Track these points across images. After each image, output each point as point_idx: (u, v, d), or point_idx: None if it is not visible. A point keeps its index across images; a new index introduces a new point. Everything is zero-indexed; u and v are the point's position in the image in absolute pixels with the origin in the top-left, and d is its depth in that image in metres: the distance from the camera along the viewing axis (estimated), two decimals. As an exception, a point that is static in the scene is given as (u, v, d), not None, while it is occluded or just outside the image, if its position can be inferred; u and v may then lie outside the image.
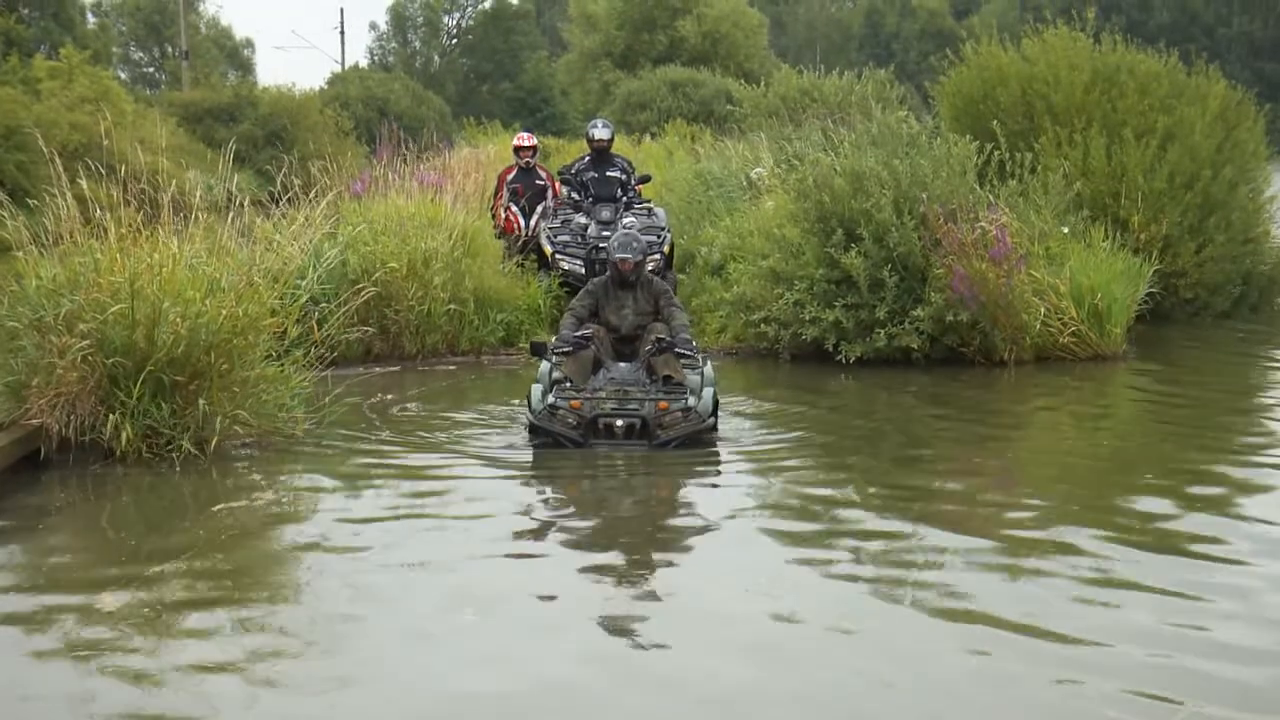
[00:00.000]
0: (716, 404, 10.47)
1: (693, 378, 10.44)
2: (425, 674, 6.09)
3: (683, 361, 10.37)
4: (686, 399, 10.13)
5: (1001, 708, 5.65)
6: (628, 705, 5.77)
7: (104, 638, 6.51)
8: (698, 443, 10.13)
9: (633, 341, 10.88)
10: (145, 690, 5.89)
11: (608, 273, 11.09)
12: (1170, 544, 7.77)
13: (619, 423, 10.01)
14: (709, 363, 10.92)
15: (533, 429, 10.21)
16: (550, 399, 10.15)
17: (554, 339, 10.74)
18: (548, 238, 16.70)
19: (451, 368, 14.32)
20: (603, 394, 10.09)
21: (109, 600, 6.98)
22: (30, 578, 7.64)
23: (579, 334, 10.54)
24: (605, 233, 16.32)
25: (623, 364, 10.49)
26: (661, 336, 10.52)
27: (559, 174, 17.97)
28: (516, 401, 11.60)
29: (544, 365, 10.70)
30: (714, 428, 10.35)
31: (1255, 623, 6.55)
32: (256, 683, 5.94)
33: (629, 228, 16.40)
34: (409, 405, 12.21)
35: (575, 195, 17.29)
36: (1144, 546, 7.70)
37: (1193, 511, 8.44)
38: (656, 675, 6.06)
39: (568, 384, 10.25)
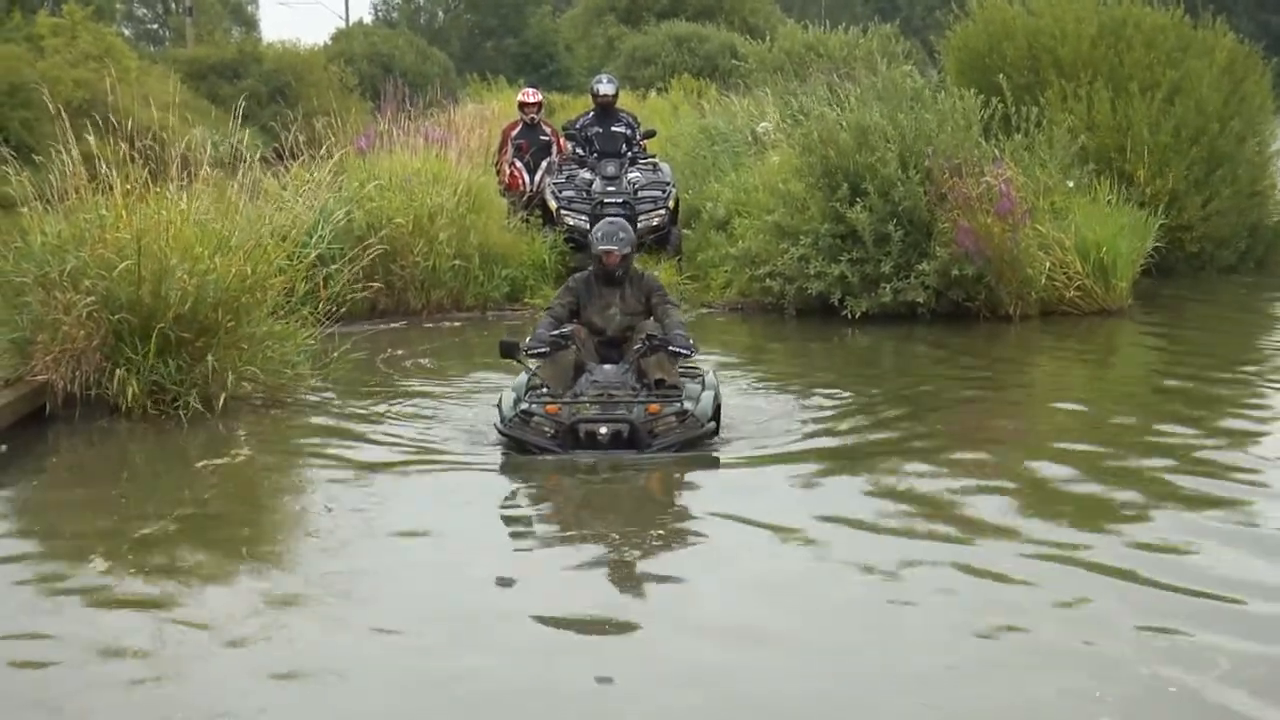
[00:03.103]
0: (719, 409, 9.23)
1: (692, 387, 9.32)
2: (436, 632, 6.12)
3: (680, 365, 9.33)
4: (681, 402, 8.96)
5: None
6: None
7: (104, 592, 6.58)
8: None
9: (620, 345, 9.50)
10: (143, 642, 5.95)
11: (590, 268, 9.77)
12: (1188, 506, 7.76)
13: (603, 429, 8.73)
14: (713, 372, 9.88)
15: (505, 438, 8.98)
16: (524, 404, 8.98)
17: (527, 339, 9.46)
18: (553, 193, 16.70)
19: (457, 324, 14.35)
20: (584, 398, 8.90)
21: (102, 559, 7.01)
22: (36, 531, 7.72)
23: (556, 333, 9.27)
24: (610, 188, 16.37)
25: (608, 366, 9.18)
26: (652, 334, 9.24)
27: (564, 129, 17.95)
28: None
29: (521, 376, 9.41)
30: (715, 433, 9.12)
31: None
32: (254, 640, 5.97)
33: (634, 182, 16.48)
34: (421, 360, 12.26)
35: (580, 150, 17.27)
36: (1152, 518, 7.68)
37: (1198, 472, 8.40)
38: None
39: (544, 389, 9.10)
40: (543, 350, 9.13)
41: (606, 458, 8.64)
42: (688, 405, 8.91)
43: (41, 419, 9.71)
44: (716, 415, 9.16)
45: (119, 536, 7.39)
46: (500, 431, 8.92)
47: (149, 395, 9.74)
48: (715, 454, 8.93)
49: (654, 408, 8.82)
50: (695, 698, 5.37)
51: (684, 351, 9.13)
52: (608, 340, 9.50)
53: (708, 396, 9.13)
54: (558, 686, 5.52)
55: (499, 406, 9.14)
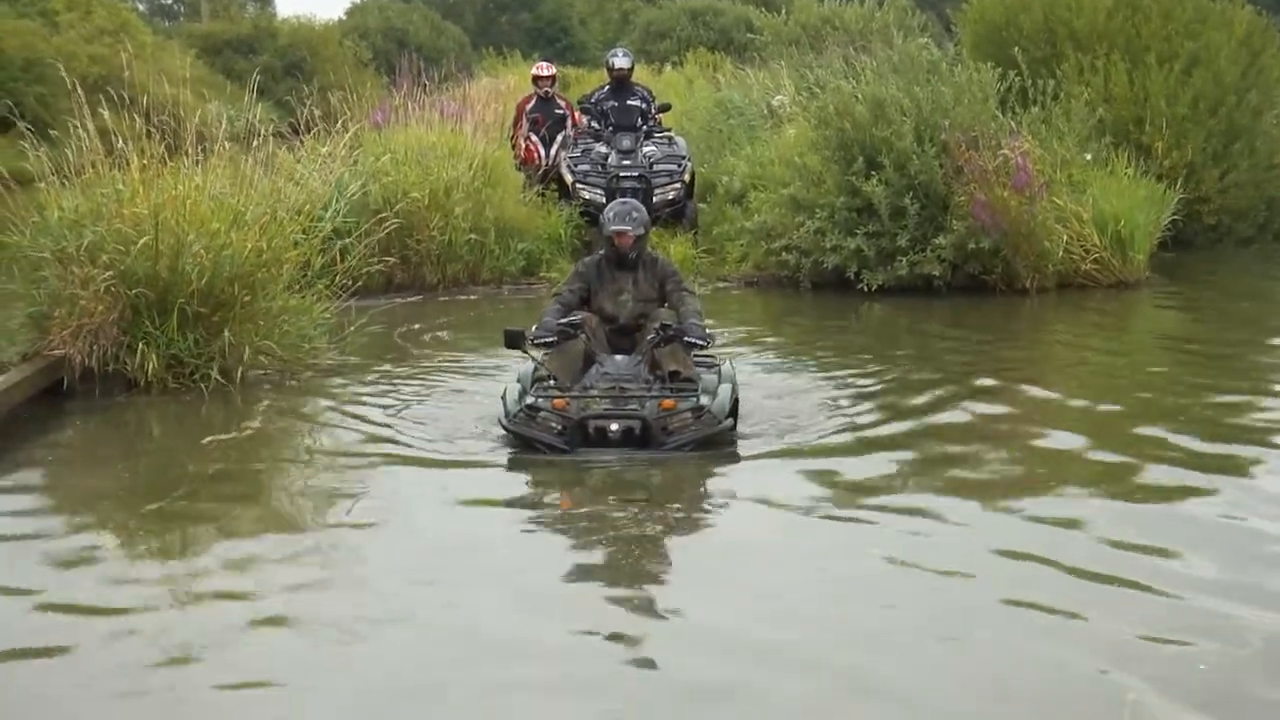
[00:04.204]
0: (736, 404, 8.60)
1: (708, 379, 8.66)
2: (446, 614, 6.12)
3: (695, 355, 8.69)
4: (698, 397, 8.33)
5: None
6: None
7: (112, 565, 6.61)
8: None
9: (632, 333, 8.90)
10: (148, 614, 5.95)
11: (601, 251, 9.20)
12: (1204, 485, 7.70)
13: (614, 426, 8.10)
14: (729, 361, 9.29)
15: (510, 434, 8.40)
16: (530, 399, 8.33)
17: (533, 327, 8.81)
18: (568, 167, 16.70)
19: (473, 297, 14.37)
20: (594, 392, 8.26)
21: (111, 534, 7.05)
22: (48, 505, 7.75)
23: (565, 321, 8.69)
24: (626, 162, 16.34)
25: (619, 357, 8.55)
26: (667, 323, 8.65)
27: (579, 103, 17.93)
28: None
29: (527, 365, 8.79)
30: (732, 429, 8.49)
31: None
32: (271, 617, 5.93)
33: (649, 156, 16.46)
34: (438, 334, 12.26)
35: (595, 124, 17.25)
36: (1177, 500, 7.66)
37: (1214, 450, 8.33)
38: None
39: (551, 381, 8.46)
40: (550, 340, 8.59)
41: (617, 457, 8.10)
42: (704, 400, 8.33)
43: (59, 394, 9.72)
44: (734, 410, 8.57)
45: (130, 510, 7.41)
46: (504, 427, 8.41)
47: (167, 369, 9.77)
48: (730, 440, 8.45)
49: (668, 403, 8.21)
50: (700, 701, 5.23)
51: (700, 342, 8.59)
52: (620, 329, 8.95)
53: (725, 390, 8.54)
54: (557, 686, 5.36)
55: (503, 399, 8.61)
